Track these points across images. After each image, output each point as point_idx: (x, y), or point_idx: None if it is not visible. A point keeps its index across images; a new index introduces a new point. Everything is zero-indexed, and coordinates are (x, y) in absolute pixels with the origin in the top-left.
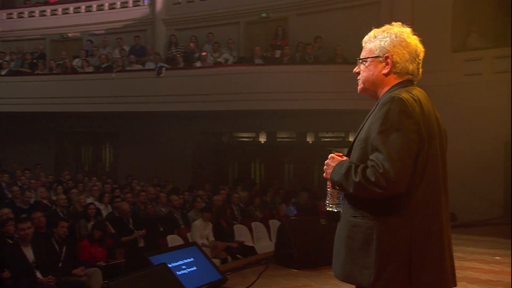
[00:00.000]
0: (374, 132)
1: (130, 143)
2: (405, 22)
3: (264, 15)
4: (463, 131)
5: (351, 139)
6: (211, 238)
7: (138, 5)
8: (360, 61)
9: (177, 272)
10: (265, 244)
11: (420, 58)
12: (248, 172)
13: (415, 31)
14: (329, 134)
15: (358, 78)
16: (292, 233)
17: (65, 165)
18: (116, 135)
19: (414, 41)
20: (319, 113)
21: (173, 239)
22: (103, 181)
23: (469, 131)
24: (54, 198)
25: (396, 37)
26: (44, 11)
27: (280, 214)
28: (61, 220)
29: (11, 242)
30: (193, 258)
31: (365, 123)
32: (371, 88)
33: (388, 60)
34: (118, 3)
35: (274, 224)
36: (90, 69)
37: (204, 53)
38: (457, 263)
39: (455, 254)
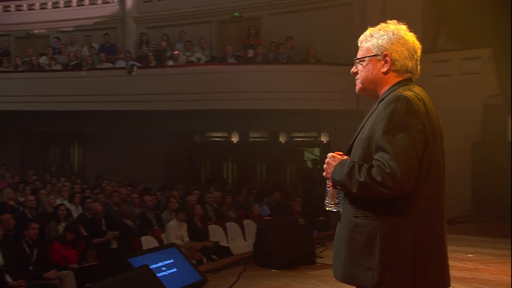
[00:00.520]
0: (379, 131)
1: (100, 143)
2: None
3: (236, 14)
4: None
5: (323, 139)
6: (186, 238)
7: (108, 2)
8: (358, 61)
9: (158, 274)
10: (240, 244)
11: (418, 54)
12: (221, 172)
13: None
14: (302, 134)
15: (356, 78)
16: (271, 233)
17: (32, 166)
18: (85, 134)
19: (411, 38)
20: (291, 113)
21: (147, 240)
22: (72, 182)
23: None
24: (21, 199)
25: (393, 34)
26: (9, 6)
27: (253, 214)
28: (30, 221)
29: None
30: (173, 260)
31: (366, 121)
32: (371, 87)
33: (387, 58)
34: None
35: (249, 224)
36: (58, 67)
37: (176, 52)
38: None
39: None
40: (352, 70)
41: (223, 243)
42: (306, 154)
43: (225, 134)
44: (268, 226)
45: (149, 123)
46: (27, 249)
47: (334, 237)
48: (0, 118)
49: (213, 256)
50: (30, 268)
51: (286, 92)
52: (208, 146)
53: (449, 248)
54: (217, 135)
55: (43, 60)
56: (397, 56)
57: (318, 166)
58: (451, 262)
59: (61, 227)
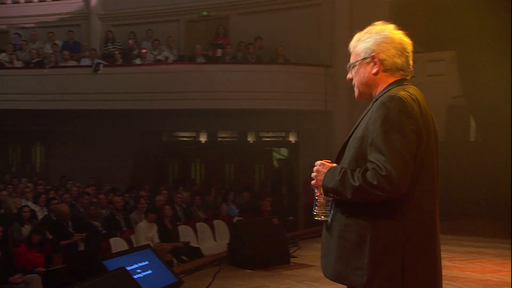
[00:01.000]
0: (374, 132)
1: (63, 143)
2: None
3: (204, 13)
4: None
5: (291, 139)
6: (156, 240)
7: None
8: (350, 67)
9: (133, 276)
10: (210, 245)
11: (407, 51)
12: (188, 172)
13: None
14: (270, 134)
15: (353, 84)
16: (246, 234)
17: None
18: (48, 133)
19: (398, 35)
20: (260, 113)
21: (116, 242)
22: (34, 182)
23: None
24: None
25: (378, 35)
26: None
27: (222, 214)
28: None
29: None
30: (148, 261)
31: (360, 121)
32: (367, 91)
33: (375, 59)
34: None
35: (219, 224)
36: (19, 64)
37: (144, 50)
38: None
39: None
40: (348, 76)
41: (193, 243)
42: (274, 154)
43: (193, 134)
44: (243, 226)
45: (115, 123)
46: None
47: (321, 237)
48: None
49: (183, 257)
50: None
51: (255, 92)
52: (176, 146)
53: None
54: (185, 135)
55: (3, 57)
56: (384, 56)
57: (288, 167)
58: None
59: (25, 229)
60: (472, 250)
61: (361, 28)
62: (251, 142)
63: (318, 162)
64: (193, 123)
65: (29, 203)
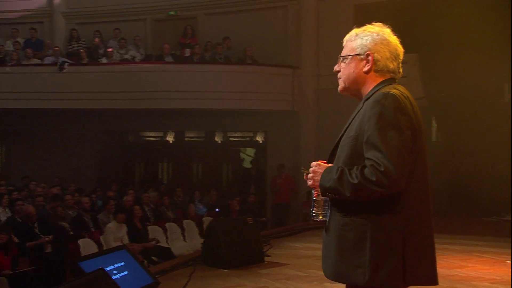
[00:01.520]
0: (369, 130)
1: (26, 143)
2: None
3: (172, 13)
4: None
5: (259, 139)
6: (126, 240)
7: None
8: (341, 59)
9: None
10: (180, 245)
11: (400, 58)
12: (156, 172)
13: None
14: (238, 134)
15: (338, 76)
16: (222, 233)
17: None
18: (9, 133)
19: (395, 41)
20: (227, 113)
21: (85, 243)
22: None
23: None
24: None
25: (377, 35)
26: None
27: (190, 214)
28: None
29: None
30: (124, 262)
31: (352, 120)
32: (353, 86)
33: (369, 58)
34: None
35: (188, 224)
36: None
37: (110, 49)
38: None
39: None
40: (335, 68)
41: (163, 243)
42: (242, 155)
43: (160, 134)
44: (218, 226)
45: (81, 122)
46: None
47: (322, 239)
48: None
49: (154, 258)
50: None
51: (223, 92)
52: (142, 146)
53: None
54: (152, 135)
55: None
56: (379, 57)
57: (256, 167)
58: None
59: None
60: (437, 247)
61: (327, 31)
62: (219, 142)
63: (314, 163)
64: (160, 123)
65: None
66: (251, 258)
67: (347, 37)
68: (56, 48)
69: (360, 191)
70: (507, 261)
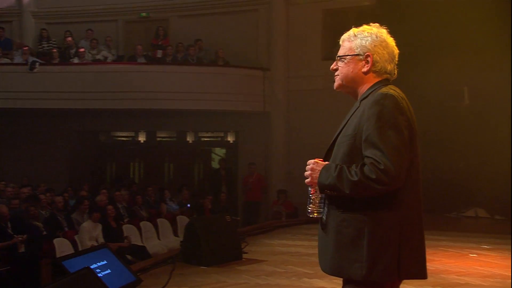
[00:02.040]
0: (368, 129)
1: None
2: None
3: (144, 14)
4: (333, 132)
5: (230, 139)
6: (101, 239)
7: None
8: (339, 58)
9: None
10: (154, 243)
11: (396, 59)
12: (127, 172)
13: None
14: (209, 134)
15: (335, 74)
16: (201, 231)
17: None
18: None
19: (392, 43)
20: (199, 113)
21: (60, 243)
22: None
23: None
24: None
25: (376, 37)
26: None
27: (162, 213)
28: None
29: None
30: (106, 261)
31: (349, 119)
32: (350, 85)
33: (369, 59)
34: None
35: (162, 222)
36: None
37: (82, 50)
38: None
39: None
40: (332, 66)
41: (138, 242)
42: (213, 155)
43: (131, 134)
44: (198, 224)
45: (52, 122)
46: None
47: (318, 236)
48: None
49: (128, 257)
50: None
51: (195, 93)
52: (114, 145)
53: None
54: (123, 135)
55: None
56: (378, 58)
57: (225, 167)
58: None
59: None
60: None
61: (296, 34)
62: (190, 142)
63: (312, 161)
64: (132, 123)
65: None
66: (230, 256)
67: (345, 36)
68: (26, 48)
69: (359, 188)
70: (471, 255)
